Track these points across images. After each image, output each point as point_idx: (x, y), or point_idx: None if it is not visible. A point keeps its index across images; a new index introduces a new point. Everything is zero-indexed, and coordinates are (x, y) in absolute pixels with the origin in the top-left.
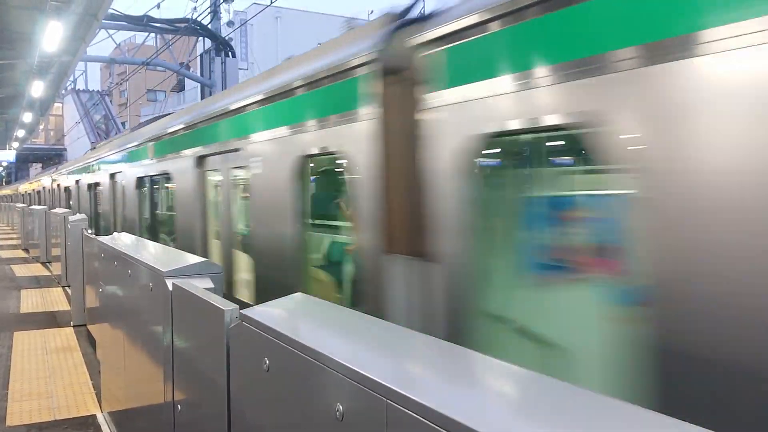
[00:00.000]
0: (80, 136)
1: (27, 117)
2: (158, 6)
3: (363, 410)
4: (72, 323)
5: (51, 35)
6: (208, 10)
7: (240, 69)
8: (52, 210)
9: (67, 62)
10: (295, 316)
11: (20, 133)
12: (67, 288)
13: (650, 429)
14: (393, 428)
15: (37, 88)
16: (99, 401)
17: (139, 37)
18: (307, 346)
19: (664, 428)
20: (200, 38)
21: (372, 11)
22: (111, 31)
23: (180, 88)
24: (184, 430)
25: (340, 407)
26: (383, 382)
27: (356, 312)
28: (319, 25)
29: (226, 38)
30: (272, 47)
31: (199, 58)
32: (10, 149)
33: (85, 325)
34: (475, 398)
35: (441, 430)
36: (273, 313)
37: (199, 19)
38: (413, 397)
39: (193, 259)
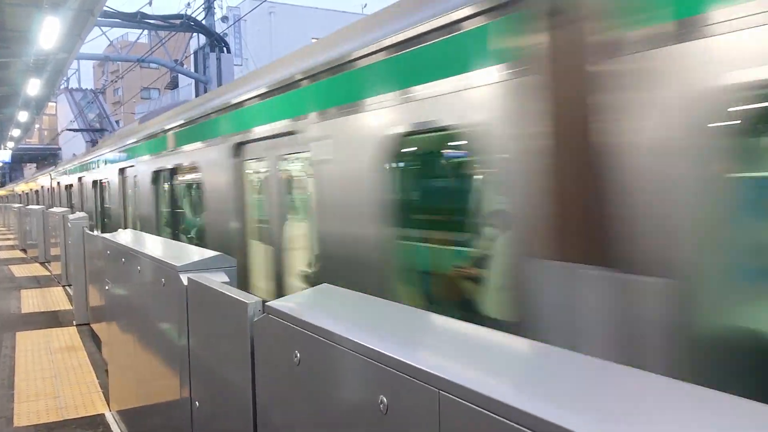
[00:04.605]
0: (74, 135)
1: (22, 116)
2: (150, 3)
3: (411, 402)
4: (75, 322)
5: (47, 32)
6: (202, 6)
7: (235, 65)
8: (49, 209)
9: (63, 60)
10: (326, 307)
11: (15, 132)
12: (67, 287)
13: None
14: (447, 419)
15: (33, 87)
16: (107, 400)
17: (132, 35)
18: (346, 338)
19: None
20: (193, 35)
21: (366, 5)
22: (104, 29)
23: (174, 85)
24: (203, 426)
25: (384, 400)
26: (435, 372)
27: (386, 300)
28: (312, 20)
29: (221, 34)
30: (266, 42)
31: (193, 54)
32: (5, 149)
33: (89, 323)
34: (527, 385)
35: (501, 419)
36: (302, 305)
37: (193, 15)
38: (470, 387)
39: (207, 253)
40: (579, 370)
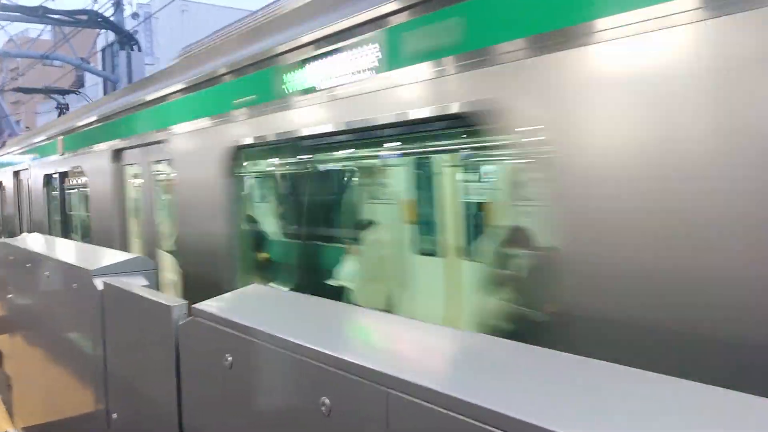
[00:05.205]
0: None
1: None
2: None
3: (357, 402)
4: None
5: None
6: (110, 1)
7: (146, 64)
8: None
9: None
10: (257, 307)
11: None
12: None
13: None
14: (395, 419)
15: None
16: (11, 417)
17: (34, 30)
18: (284, 339)
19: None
20: (101, 32)
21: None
22: (3, 23)
23: (80, 84)
24: None
25: (327, 401)
26: (386, 372)
27: (320, 298)
28: (226, 19)
29: (132, 31)
30: (178, 41)
31: (100, 52)
32: None
33: None
34: (480, 378)
35: (456, 415)
36: (232, 306)
37: (100, 10)
38: (424, 385)
39: (123, 256)
40: (529, 361)
